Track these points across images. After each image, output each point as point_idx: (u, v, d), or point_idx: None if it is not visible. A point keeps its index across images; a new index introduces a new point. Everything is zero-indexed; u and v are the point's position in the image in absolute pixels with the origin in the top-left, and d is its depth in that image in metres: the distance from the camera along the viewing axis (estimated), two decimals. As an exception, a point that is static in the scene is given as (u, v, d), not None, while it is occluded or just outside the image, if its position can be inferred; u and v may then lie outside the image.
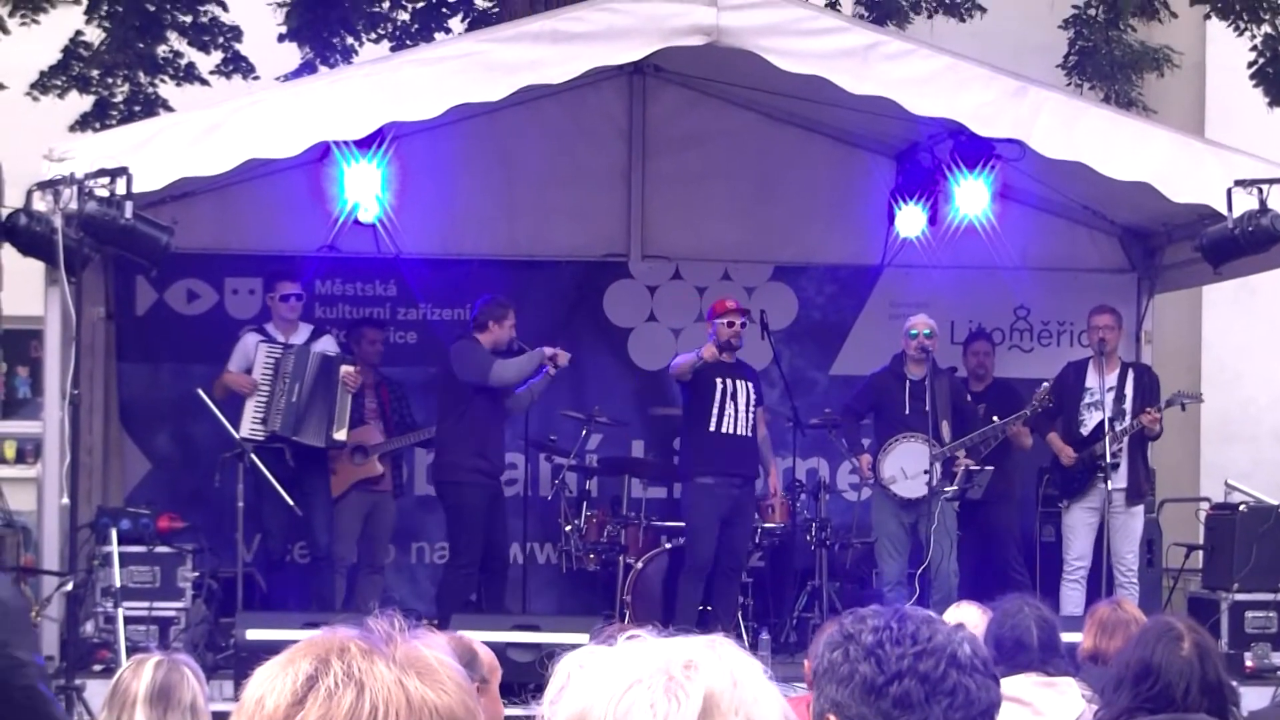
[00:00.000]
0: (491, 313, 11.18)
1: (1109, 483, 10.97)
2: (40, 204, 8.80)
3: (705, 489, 11.13)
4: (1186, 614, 11.02)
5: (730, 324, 11.22)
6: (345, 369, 10.89)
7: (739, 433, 11.19)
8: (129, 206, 8.73)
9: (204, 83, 14.28)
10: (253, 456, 10.36)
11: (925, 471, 11.02)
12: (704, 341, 11.34)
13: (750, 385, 11.31)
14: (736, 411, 11.18)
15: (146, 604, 10.02)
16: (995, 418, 11.33)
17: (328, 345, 11.19)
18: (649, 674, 1.73)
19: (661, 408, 12.65)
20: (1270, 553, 10.95)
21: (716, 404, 11.15)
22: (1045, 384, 11.33)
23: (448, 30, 14.65)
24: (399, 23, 14.84)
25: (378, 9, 14.82)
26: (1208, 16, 14.57)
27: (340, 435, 10.93)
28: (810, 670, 6.51)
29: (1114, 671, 4.86)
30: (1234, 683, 4.92)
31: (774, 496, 11.63)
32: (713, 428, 11.15)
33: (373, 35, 14.67)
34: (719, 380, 11.18)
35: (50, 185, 8.75)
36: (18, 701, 4.75)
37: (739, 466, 11.22)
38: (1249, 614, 10.76)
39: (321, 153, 10.69)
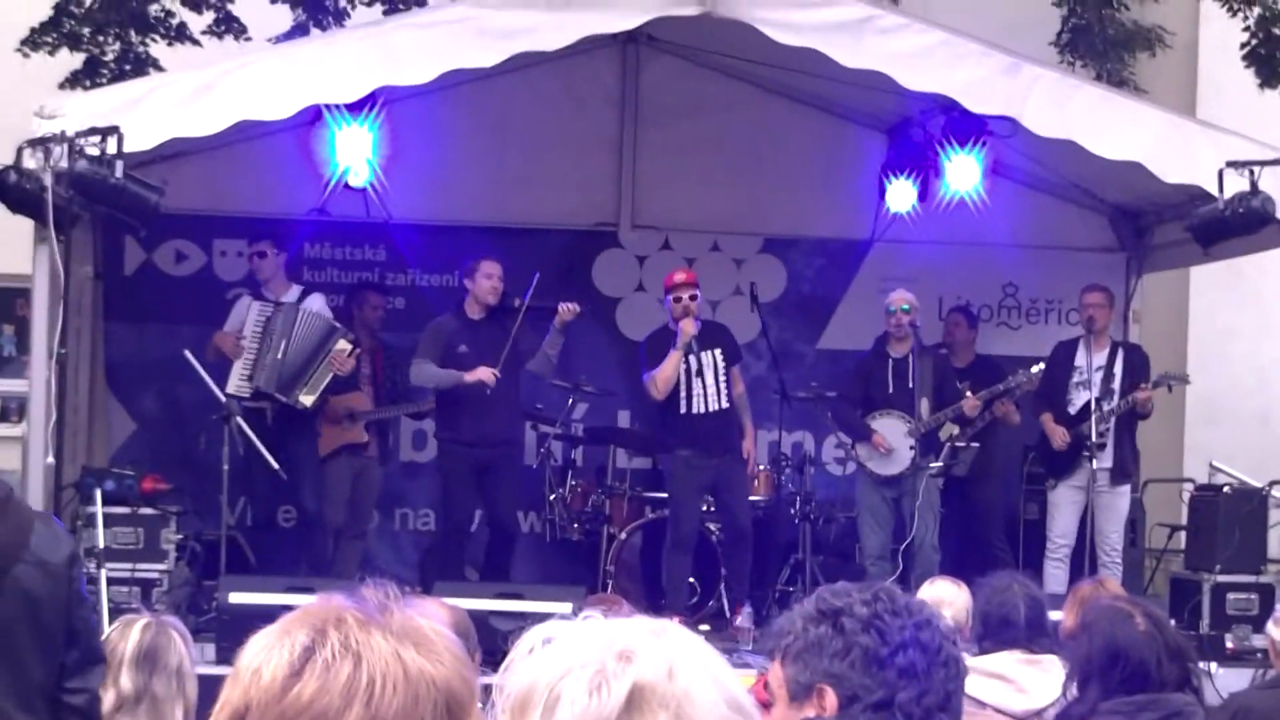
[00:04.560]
0: (468, 269, 11.22)
1: (1095, 462, 10.97)
2: (30, 161, 8.74)
3: (684, 461, 11.00)
4: (1166, 596, 11.12)
5: (678, 299, 10.98)
6: (339, 346, 10.85)
7: (710, 409, 10.97)
8: (119, 165, 8.69)
9: (195, 43, 14.17)
10: (239, 420, 10.32)
11: (911, 448, 11.02)
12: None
13: (718, 351, 11.05)
14: (705, 388, 10.96)
15: (129, 565, 9.97)
16: (969, 393, 11.27)
17: (317, 305, 11.16)
18: (583, 662, 1.69)
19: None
20: (1253, 535, 10.99)
21: (683, 387, 10.95)
22: (1036, 368, 11.29)
23: (440, -6, 14.56)
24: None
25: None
26: (1201, -3, 14.56)
27: (306, 400, 10.87)
28: (776, 646, 6.55)
29: (1075, 667, 4.83)
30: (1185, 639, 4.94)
31: (751, 462, 11.36)
32: (683, 410, 10.97)
33: (365, -1, 14.59)
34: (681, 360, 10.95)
35: (41, 143, 8.70)
36: None
37: (717, 442, 10.99)
38: (1230, 595, 10.78)
39: (313, 116, 10.64)
